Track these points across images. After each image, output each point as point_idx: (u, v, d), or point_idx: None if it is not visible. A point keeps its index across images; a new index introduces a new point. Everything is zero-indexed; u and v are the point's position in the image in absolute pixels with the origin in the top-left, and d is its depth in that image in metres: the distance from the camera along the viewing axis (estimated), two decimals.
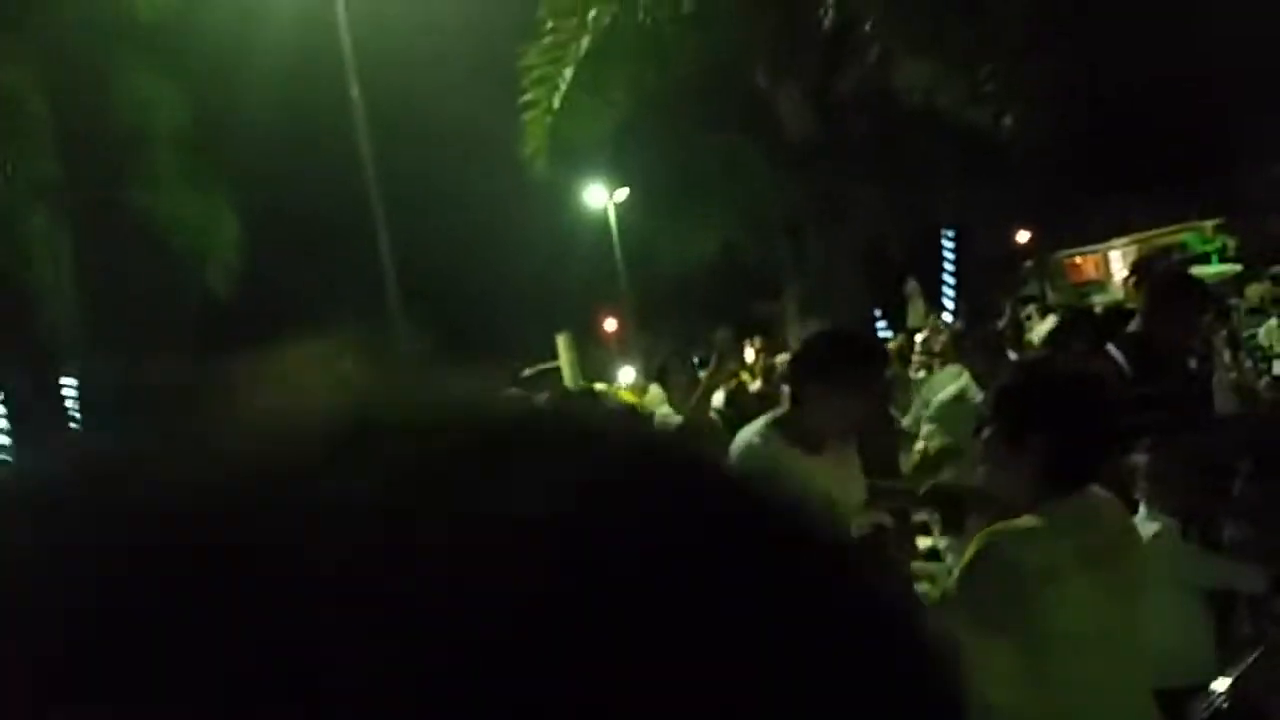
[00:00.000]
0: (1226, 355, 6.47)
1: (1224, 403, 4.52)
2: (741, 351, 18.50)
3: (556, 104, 9.39)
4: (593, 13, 8.66)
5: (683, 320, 24.65)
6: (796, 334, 7.75)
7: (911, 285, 16.86)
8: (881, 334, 20.03)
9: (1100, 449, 1.98)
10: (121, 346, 13.01)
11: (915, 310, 16.87)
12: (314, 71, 14.36)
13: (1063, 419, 1.87)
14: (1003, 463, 1.96)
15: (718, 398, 5.93)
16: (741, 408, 6.08)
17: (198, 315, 14.46)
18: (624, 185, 19.11)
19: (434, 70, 16.73)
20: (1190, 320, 4.03)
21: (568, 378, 11.49)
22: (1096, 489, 1.98)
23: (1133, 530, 2.22)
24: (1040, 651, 1.80)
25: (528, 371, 15.12)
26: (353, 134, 13.72)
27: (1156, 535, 2.92)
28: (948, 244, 19.94)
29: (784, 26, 7.60)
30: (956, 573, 2.00)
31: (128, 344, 13.27)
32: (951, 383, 4.69)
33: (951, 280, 20.24)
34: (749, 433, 2.82)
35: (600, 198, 20.27)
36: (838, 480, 2.70)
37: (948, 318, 16.58)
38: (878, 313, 22.08)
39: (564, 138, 9.74)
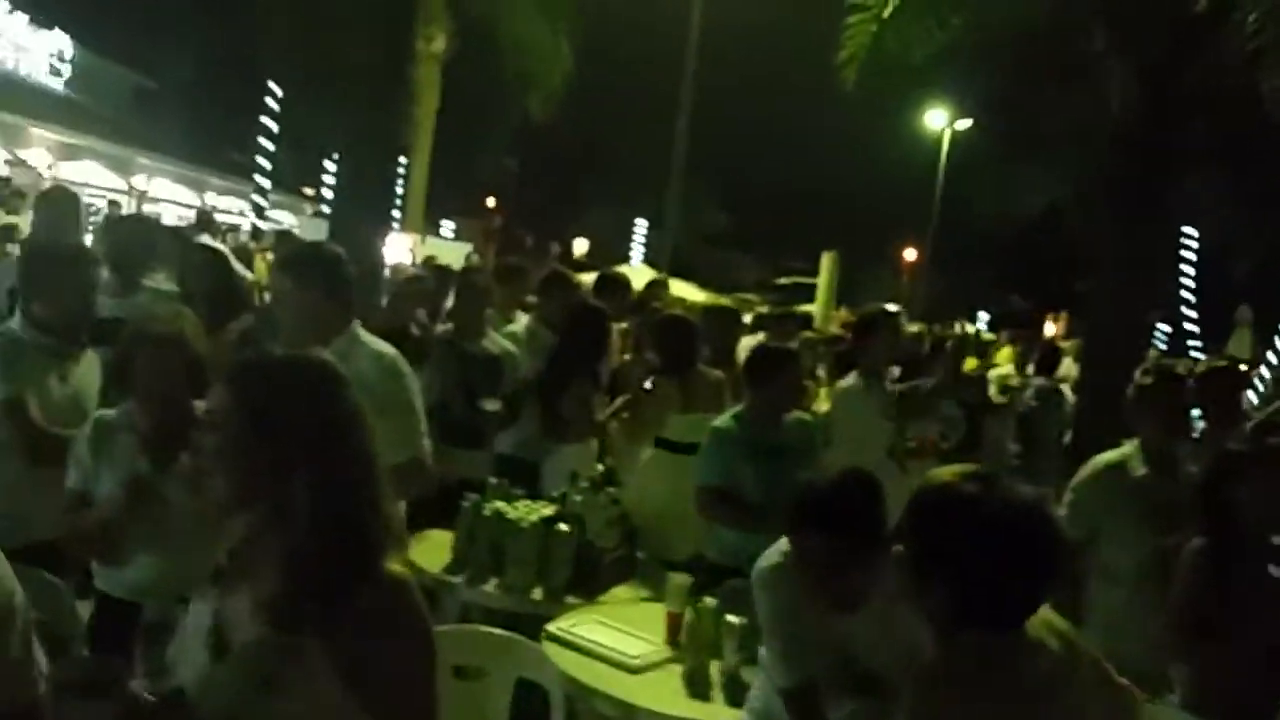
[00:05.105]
0: None
1: None
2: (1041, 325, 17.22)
3: (886, 13, 8.83)
4: None
5: (983, 273, 23.13)
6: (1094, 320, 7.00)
7: (1244, 311, 14.88)
8: (1195, 354, 17.89)
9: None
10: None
11: (1239, 339, 14.92)
12: None
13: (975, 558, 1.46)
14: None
15: None
16: None
17: (512, 134, 15.23)
18: (966, 116, 17.94)
19: None
20: None
21: (821, 295, 11.17)
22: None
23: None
24: None
25: (782, 280, 14.80)
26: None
27: None
28: None
29: None
30: None
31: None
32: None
33: None
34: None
35: (938, 122, 19.14)
36: None
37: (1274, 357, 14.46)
38: (1196, 329, 19.73)
39: (890, 52, 9.16)
